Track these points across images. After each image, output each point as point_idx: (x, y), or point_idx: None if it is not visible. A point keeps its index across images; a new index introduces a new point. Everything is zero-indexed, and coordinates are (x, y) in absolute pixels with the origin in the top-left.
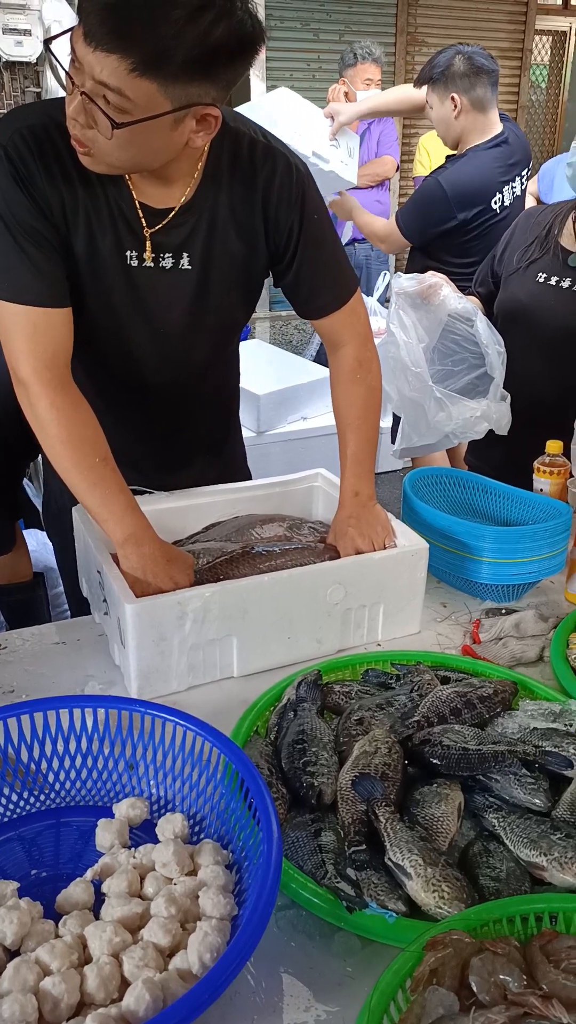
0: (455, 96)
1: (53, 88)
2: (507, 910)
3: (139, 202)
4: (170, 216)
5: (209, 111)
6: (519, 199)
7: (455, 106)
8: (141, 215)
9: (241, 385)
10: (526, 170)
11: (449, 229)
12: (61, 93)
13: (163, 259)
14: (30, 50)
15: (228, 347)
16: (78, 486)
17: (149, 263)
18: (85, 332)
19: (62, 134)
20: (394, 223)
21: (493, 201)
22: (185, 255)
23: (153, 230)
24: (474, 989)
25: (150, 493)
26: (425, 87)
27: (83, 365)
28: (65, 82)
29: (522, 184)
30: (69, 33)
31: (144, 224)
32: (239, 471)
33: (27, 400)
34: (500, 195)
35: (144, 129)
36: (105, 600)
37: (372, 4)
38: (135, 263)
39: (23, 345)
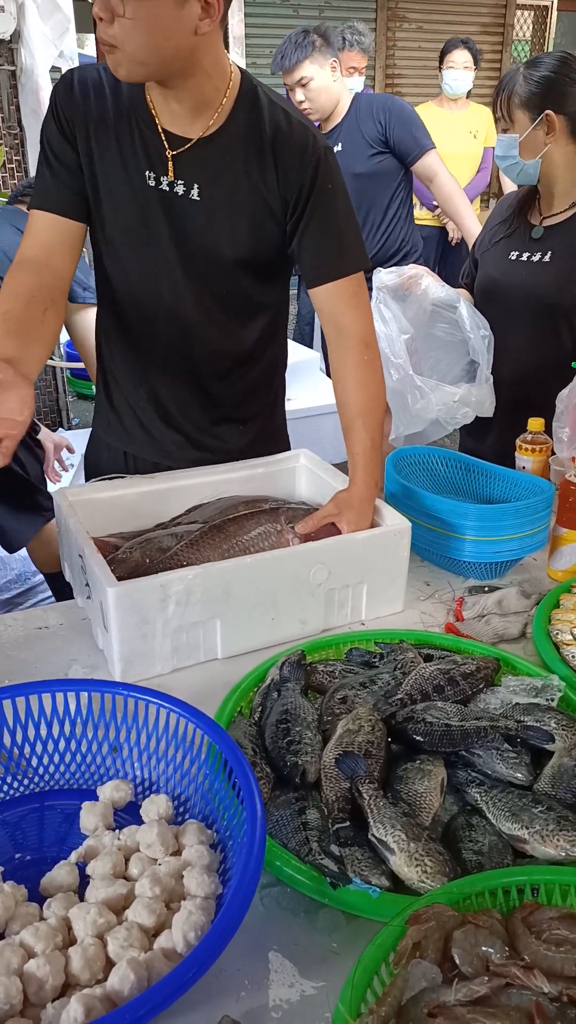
0: (334, 61)
1: (28, 66)
2: (489, 883)
3: (163, 128)
4: (189, 144)
5: None
6: None
7: (334, 69)
8: (164, 139)
9: None
10: None
11: None
12: (36, 73)
13: (176, 185)
14: (3, 27)
15: (249, 289)
16: None
17: (164, 186)
18: (112, 256)
19: (109, 71)
20: (433, 155)
21: None
22: (196, 185)
23: (174, 152)
24: (457, 961)
25: (131, 477)
26: (301, 65)
27: (116, 300)
28: None
29: None
30: None
31: (167, 146)
32: (279, 436)
33: None
34: None
35: (151, 8)
36: (88, 584)
37: None
38: (152, 183)
39: (20, 244)
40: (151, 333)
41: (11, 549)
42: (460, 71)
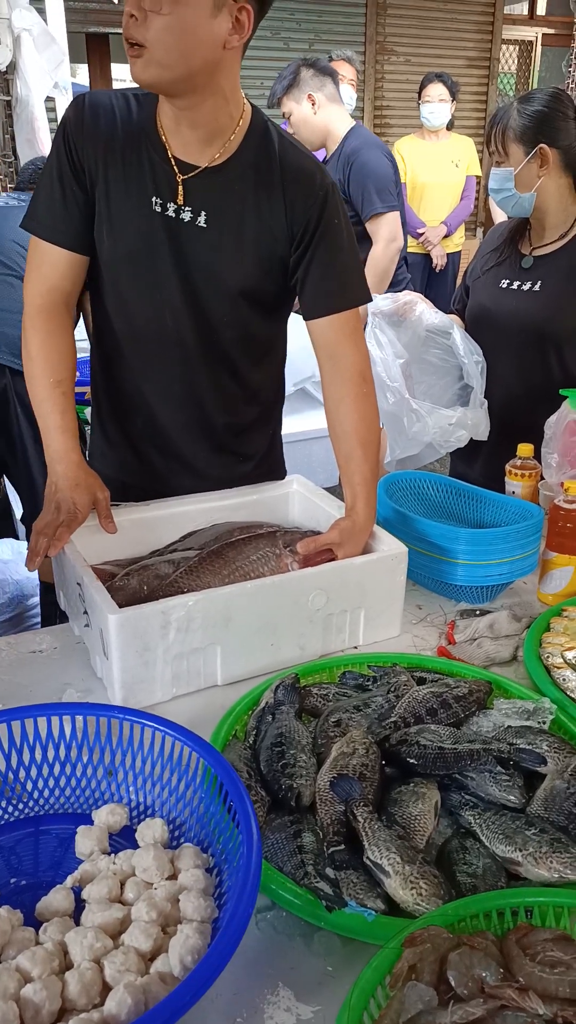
0: (311, 94)
1: (23, 96)
2: (484, 905)
3: (173, 155)
4: (198, 171)
5: (244, 6)
6: None
7: (313, 103)
8: (174, 165)
9: None
10: None
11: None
12: (31, 103)
13: (184, 211)
14: (0, 58)
15: (250, 321)
16: (34, 398)
17: (171, 212)
18: (113, 282)
19: (120, 98)
20: (379, 222)
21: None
22: (204, 212)
23: (184, 177)
24: (452, 983)
25: (125, 505)
26: (281, 101)
27: (115, 327)
28: None
29: None
30: None
31: (177, 171)
32: (277, 468)
33: (23, 322)
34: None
35: (188, 11)
36: (86, 612)
37: (342, 13)
38: (158, 209)
39: (31, 273)
40: (151, 361)
41: None
42: (436, 104)
